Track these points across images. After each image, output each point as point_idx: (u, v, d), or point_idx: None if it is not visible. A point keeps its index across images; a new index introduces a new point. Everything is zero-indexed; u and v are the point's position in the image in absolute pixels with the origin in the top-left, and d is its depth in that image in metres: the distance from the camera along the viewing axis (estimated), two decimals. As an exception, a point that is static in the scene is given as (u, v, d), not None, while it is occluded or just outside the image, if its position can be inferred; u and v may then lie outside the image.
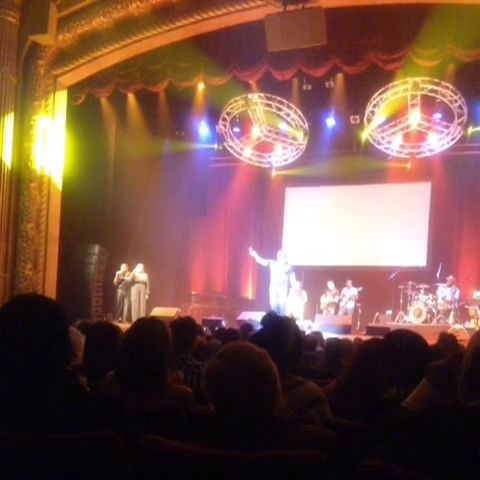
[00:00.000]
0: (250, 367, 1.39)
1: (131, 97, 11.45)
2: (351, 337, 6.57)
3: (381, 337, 2.63)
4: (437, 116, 11.71)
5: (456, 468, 1.20)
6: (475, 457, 1.19)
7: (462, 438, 1.22)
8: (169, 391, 2.08)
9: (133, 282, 11.26)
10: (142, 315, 10.52)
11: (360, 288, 11.94)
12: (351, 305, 11.89)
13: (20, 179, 9.05)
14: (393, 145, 12.37)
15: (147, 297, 11.31)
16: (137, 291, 11.21)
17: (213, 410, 1.44)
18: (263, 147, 13.67)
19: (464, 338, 6.55)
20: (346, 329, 9.93)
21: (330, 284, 12.21)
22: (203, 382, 1.45)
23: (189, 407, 2.00)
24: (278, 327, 2.27)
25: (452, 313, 10.78)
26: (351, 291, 11.99)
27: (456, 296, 10.91)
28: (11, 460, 1.33)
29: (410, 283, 11.42)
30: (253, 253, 11.29)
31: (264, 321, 2.37)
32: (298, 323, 8.64)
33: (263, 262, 11.14)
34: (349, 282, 12.06)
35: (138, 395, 1.97)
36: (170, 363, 2.24)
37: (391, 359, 2.24)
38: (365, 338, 5.17)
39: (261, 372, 1.39)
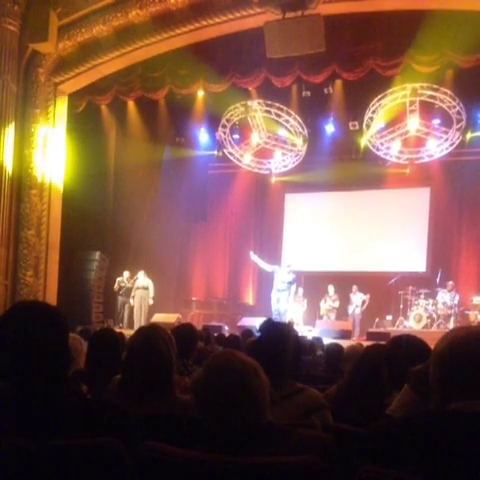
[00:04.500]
0: (231, 377, 1.39)
1: (131, 104, 11.49)
2: (352, 342, 6.55)
3: (382, 342, 2.63)
4: (436, 122, 11.74)
5: (439, 476, 1.19)
6: (457, 460, 1.18)
7: (444, 442, 1.21)
8: (175, 399, 2.07)
9: (136, 288, 11.25)
10: (144, 321, 10.52)
11: (368, 295, 11.77)
12: (358, 311, 11.76)
13: (21, 186, 9.07)
14: (392, 151, 12.39)
15: (152, 302, 11.28)
16: (140, 297, 11.20)
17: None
18: (263, 153, 13.70)
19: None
20: (346, 334, 9.92)
21: (330, 288, 12.16)
22: (190, 394, 1.45)
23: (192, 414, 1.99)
24: (277, 334, 2.25)
25: (452, 318, 10.77)
26: (358, 296, 11.85)
27: (456, 301, 10.91)
28: (10, 467, 1.32)
29: (410, 288, 11.41)
30: (255, 257, 11.28)
31: (262, 328, 2.35)
32: (298, 328, 8.64)
33: (267, 267, 11.12)
34: (354, 287, 11.94)
35: (143, 402, 1.97)
36: (175, 369, 2.23)
37: (393, 364, 2.24)
38: (366, 344, 5.16)
39: (243, 381, 1.39)
